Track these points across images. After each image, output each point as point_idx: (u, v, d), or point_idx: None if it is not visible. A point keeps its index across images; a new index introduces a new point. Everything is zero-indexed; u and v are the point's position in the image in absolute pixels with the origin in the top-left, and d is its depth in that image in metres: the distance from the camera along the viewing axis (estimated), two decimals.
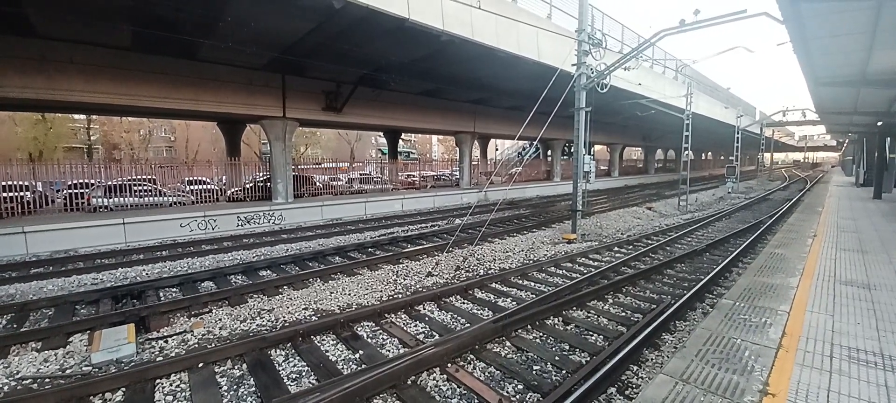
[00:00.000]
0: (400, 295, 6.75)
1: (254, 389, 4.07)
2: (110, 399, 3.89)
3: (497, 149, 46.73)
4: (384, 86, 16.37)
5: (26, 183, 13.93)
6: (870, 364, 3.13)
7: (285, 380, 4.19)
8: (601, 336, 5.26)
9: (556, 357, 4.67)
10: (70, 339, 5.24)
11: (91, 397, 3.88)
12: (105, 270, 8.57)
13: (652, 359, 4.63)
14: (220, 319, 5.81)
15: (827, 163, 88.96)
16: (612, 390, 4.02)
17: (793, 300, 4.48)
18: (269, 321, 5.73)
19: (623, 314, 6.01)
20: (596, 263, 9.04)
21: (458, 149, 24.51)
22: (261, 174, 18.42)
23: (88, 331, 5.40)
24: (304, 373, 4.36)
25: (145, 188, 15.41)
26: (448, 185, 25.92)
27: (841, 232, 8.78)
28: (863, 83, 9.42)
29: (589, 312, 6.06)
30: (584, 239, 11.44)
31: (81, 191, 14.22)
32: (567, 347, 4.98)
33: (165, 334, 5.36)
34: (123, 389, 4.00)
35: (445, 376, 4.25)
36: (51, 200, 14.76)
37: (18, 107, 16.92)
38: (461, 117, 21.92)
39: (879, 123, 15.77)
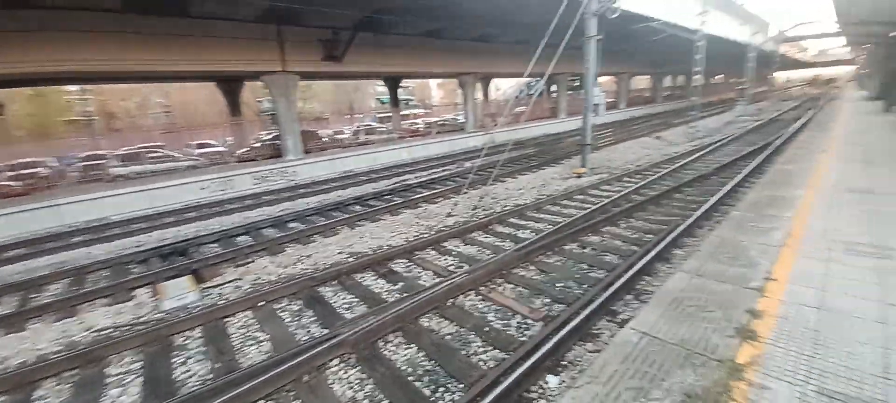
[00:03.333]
0: (425, 235, 7.21)
1: (314, 318, 4.63)
2: (190, 337, 4.46)
3: (498, 89, 45.65)
4: (384, 29, 15.90)
5: (38, 159, 14.24)
6: (864, 253, 3.52)
7: (340, 309, 4.74)
8: (616, 256, 5.70)
9: (577, 276, 5.15)
10: (134, 293, 5.80)
11: (174, 335, 4.46)
12: (142, 233, 9.12)
13: (664, 271, 5.09)
14: (264, 267, 6.34)
15: (841, 79, 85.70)
16: (629, 297, 4.51)
17: (798, 207, 4.82)
18: (310, 265, 6.25)
19: (635, 236, 6.43)
20: (607, 193, 9.38)
21: (460, 91, 24.12)
22: (266, 133, 18.53)
23: (149, 285, 5.96)
24: (354, 303, 4.90)
25: (157, 155, 15.71)
26: (452, 130, 25.84)
27: (849, 145, 8.94)
28: None
29: (604, 237, 6.49)
30: (594, 173, 11.71)
31: (97, 162, 14.53)
32: (586, 267, 5.45)
33: (219, 282, 5.91)
34: (201, 327, 4.58)
35: (480, 297, 4.76)
36: (65, 174, 15.14)
37: (15, 82, 16.77)
38: (464, 58, 21.33)
39: (892, 34, 15.18)
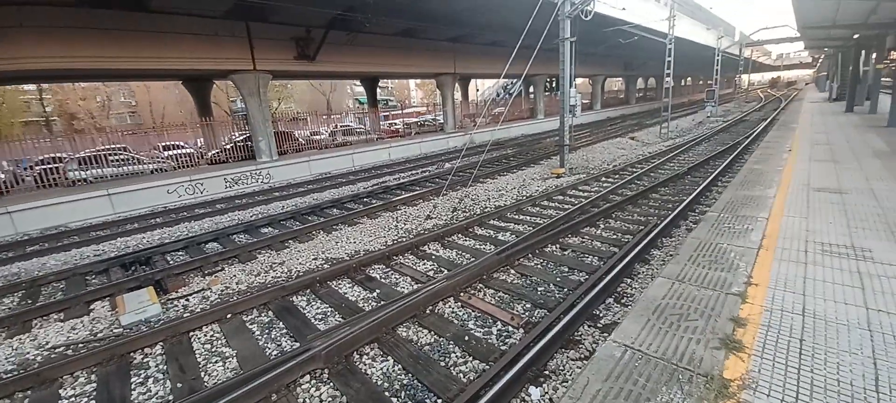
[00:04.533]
0: (404, 239, 7.02)
1: (285, 330, 4.37)
2: (150, 354, 4.14)
3: (477, 90, 45.77)
4: (358, 28, 15.56)
5: None
6: (841, 255, 3.56)
7: (313, 320, 4.50)
8: (596, 258, 5.68)
9: (558, 279, 5.08)
10: (91, 307, 5.38)
11: (132, 353, 4.12)
12: (103, 241, 8.54)
13: (643, 272, 5.09)
14: (234, 275, 6.01)
15: (801, 81, 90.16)
16: (610, 300, 4.47)
17: (771, 207, 4.90)
18: (282, 272, 5.96)
19: (614, 237, 6.44)
20: (585, 194, 9.43)
21: (439, 92, 23.97)
22: (238, 134, 17.85)
23: (108, 298, 5.55)
24: (328, 313, 4.67)
25: (120, 157, 14.84)
26: (432, 131, 25.65)
27: (814, 145, 9.29)
28: None
29: (583, 238, 6.46)
30: (573, 173, 11.79)
31: (54, 166, 13.62)
32: (566, 269, 5.40)
33: (185, 293, 5.56)
34: (161, 343, 4.25)
35: (459, 303, 4.62)
36: (21, 178, 14.11)
37: None
38: (441, 58, 21.18)
39: (856, 36, 15.97)
